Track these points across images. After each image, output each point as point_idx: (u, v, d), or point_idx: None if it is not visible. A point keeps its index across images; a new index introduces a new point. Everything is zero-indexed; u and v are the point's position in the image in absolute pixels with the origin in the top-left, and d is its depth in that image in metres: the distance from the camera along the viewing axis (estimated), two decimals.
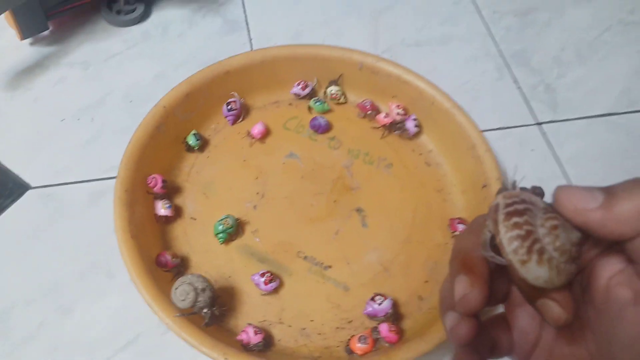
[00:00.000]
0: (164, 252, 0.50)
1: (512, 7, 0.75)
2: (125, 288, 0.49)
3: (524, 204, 0.23)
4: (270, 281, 0.49)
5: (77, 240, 0.52)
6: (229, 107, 0.59)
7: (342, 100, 0.62)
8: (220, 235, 0.52)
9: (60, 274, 0.50)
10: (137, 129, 0.54)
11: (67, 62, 0.64)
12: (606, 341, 0.24)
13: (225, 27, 0.69)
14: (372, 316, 0.49)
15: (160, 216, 0.52)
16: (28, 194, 0.55)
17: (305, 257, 0.52)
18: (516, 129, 0.63)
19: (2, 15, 0.59)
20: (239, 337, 0.46)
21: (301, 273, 0.52)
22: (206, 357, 0.44)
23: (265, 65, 0.60)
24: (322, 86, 0.62)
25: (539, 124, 0.64)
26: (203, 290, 0.45)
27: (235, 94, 0.59)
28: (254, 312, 0.49)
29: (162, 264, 0.49)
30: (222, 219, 0.52)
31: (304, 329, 0.49)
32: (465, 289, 0.23)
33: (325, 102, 0.61)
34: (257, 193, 0.56)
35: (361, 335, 0.47)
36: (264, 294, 0.50)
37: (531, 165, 0.60)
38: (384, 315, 0.48)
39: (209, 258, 0.52)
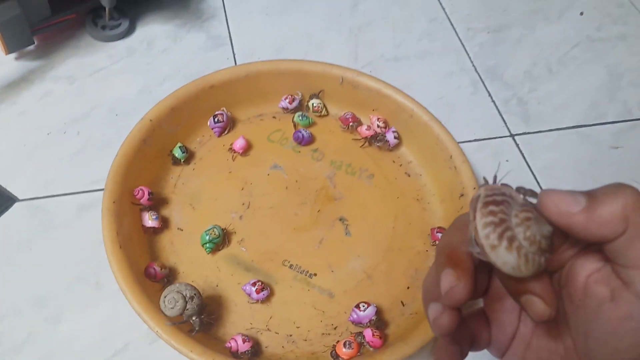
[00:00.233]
0: (152, 263, 0.51)
1: (486, 24, 0.79)
2: (113, 298, 0.50)
3: (502, 197, 0.24)
4: (262, 290, 0.50)
5: (65, 252, 0.53)
6: (216, 119, 0.60)
7: (324, 112, 0.64)
8: (207, 245, 0.53)
9: (48, 285, 0.51)
10: (123, 141, 0.55)
11: (52, 77, 0.65)
12: (582, 336, 0.25)
13: (209, 43, 0.71)
14: (356, 323, 0.50)
15: (147, 227, 0.53)
16: (16, 206, 0.55)
17: (291, 266, 0.54)
18: (491, 140, 0.66)
19: None
20: (227, 345, 0.47)
21: (287, 281, 0.53)
22: None
23: (249, 80, 0.62)
24: (304, 99, 0.64)
25: (513, 135, 0.67)
26: (191, 298, 0.46)
27: (224, 108, 0.61)
28: (241, 320, 0.51)
29: (151, 276, 0.50)
30: (208, 229, 0.53)
31: (290, 335, 0.50)
32: (452, 282, 0.24)
33: (308, 116, 0.63)
34: (243, 204, 0.57)
35: (346, 341, 0.48)
36: (253, 302, 0.51)
37: (506, 176, 0.63)
38: (368, 322, 0.50)
39: (196, 268, 0.53)
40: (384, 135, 0.62)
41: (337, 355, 0.48)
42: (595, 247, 0.24)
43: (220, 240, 0.54)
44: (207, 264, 0.53)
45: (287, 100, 0.63)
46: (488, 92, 0.71)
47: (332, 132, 0.63)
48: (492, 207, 0.24)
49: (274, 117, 0.64)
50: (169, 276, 0.52)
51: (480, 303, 0.29)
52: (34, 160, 0.58)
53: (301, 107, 0.64)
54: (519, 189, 0.25)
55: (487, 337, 0.28)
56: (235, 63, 0.69)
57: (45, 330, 0.49)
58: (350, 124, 0.62)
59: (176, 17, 0.73)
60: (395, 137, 0.62)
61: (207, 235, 0.53)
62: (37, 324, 0.49)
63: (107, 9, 0.67)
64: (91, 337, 0.49)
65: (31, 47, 0.66)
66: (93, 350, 0.48)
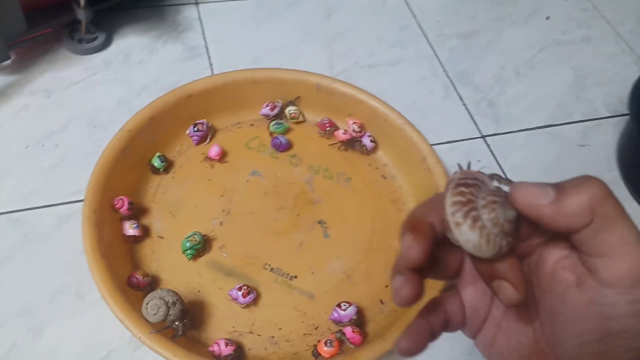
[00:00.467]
0: (134, 272, 0.51)
1: (455, 31, 0.81)
2: (96, 308, 0.51)
3: (474, 181, 0.26)
4: (248, 293, 0.51)
5: (47, 263, 0.53)
6: (196, 128, 0.61)
7: (300, 118, 0.65)
8: (188, 251, 0.54)
9: (30, 297, 0.51)
10: (103, 151, 0.56)
11: (29, 90, 0.65)
12: (550, 319, 0.26)
13: (186, 53, 0.72)
14: (337, 322, 0.51)
15: (128, 236, 0.54)
16: None
17: (272, 269, 0.55)
18: (463, 142, 0.68)
19: None
20: (210, 349, 0.48)
21: (268, 284, 0.54)
22: None
23: (226, 88, 0.63)
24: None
25: (484, 137, 0.69)
26: (174, 303, 0.47)
27: (205, 120, 0.62)
28: (223, 323, 0.51)
29: (134, 285, 0.51)
30: (189, 236, 0.54)
31: (272, 337, 0.51)
32: (409, 243, 0.25)
33: (284, 123, 0.64)
34: (223, 210, 0.58)
35: (327, 339, 0.49)
36: (242, 307, 0.52)
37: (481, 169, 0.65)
38: (349, 321, 0.51)
39: (178, 274, 0.54)
40: (360, 140, 0.63)
41: (319, 354, 0.49)
42: (563, 235, 0.25)
43: (201, 247, 0.54)
44: (189, 271, 0.54)
45: (269, 108, 0.64)
46: (459, 95, 0.73)
47: (310, 137, 0.65)
48: (462, 189, 0.25)
49: (251, 125, 0.65)
50: (153, 283, 0.52)
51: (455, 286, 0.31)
52: (13, 174, 0.59)
53: (282, 114, 0.65)
54: (493, 176, 0.26)
55: (461, 319, 0.29)
56: (213, 73, 0.70)
57: (28, 341, 0.49)
58: (328, 129, 0.64)
59: (152, 29, 0.74)
60: (371, 141, 0.63)
61: (188, 242, 0.54)
62: (21, 335, 0.49)
63: (83, 23, 0.68)
64: (75, 347, 0.49)
65: (8, 62, 0.66)
66: None
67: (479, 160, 0.66)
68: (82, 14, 0.65)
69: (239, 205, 0.58)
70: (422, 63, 0.76)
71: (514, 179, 0.68)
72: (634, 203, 0.65)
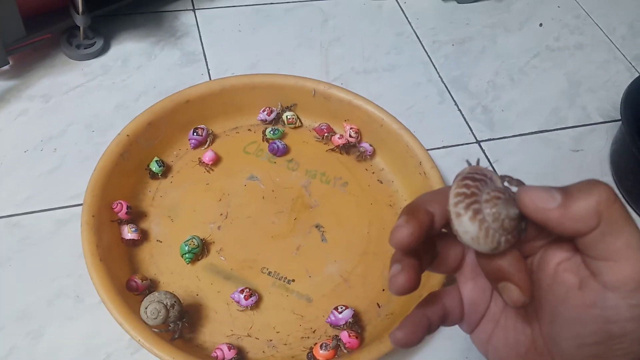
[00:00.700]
0: (133, 276, 0.52)
1: (450, 37, 0.82)
2: (94, 311, 0.51)
3: (482, 176, 0.26)
4: (250, 296, 0.52)
5: (45, 267, 0.53)
6: (196, 132, 0.62)
7: (298, 124, 0.66)
8: (187, 255, 0.54)
9: (29, 300, 0.51)
10: (102, 156, 0.56)
11: (28, 95, 0.66)
12: (549, 320, 0.27)
13: (184, 59, 0.73)
14: (334, 325, 0.52)
15: (127, 240, 0.54)
16: None
17: (269, 273, 0.55)
18: (458, 147, 0.69)
19: None
20: (213, 354, 0.48)
21: (266, 288, 0.54)
22: None
23: (224, 94, 0.64)
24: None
25: (479, 142, 0.70)
26: (172, 305, 0.47)
27: (204, 125, 0.63)
28: (222, 327, 0.52)
29: (133, 289, 0.51)
30: (187, 240, 0.54)
31: (270, 340, 0.52)
32: (399, 223, 0.25)
33: (279, 129, 0.65)
34: (221, 214, 0.58)
35: (323, 343, 0.50)
36: (241, 310, 0.52)
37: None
38: (345, 323, 0.51)
39: (176, 278, 0.54)
40: (357, 145, 0.64)
41: (314, 357, 0.49)
42: (567, 238, 0.25)
43: (200, 250, 0.55)
44: (187, 274, 0.54)
45: (266, 113, 0.65)
46: (454, 101, 0.74)
47: (307, 142, 0.65)
48: (468, 182, 0.25)
49: (249, 130, 0.66)
50: (151, 287, 0.53)
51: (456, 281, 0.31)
52: (12, 178, 0.59)
53: (279, 119, 0.66)
54: (504, 177, 0.27)
55: (459, 314, 0.30)
56: (210, 78, 0.71)
57: (27, 345, 0.49)
58: (325, 134, 0.65)
59: (150, 35, 0.74)
60: (370, 145, 0.64)
61: (186, 245, 0.54)
62: (19, 339, 0.49)
63: (81, 28, 0.68)
64: (73, 350, 0.49)
65: (6, 67, 0.67)
66: None
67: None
68: (80, 20, 0.66)
69: (237, 209, 0.59)
70: (418, 69, 0.77)
71: None
72: (627, 207, 0.66)
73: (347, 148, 0.64)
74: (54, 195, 0.58)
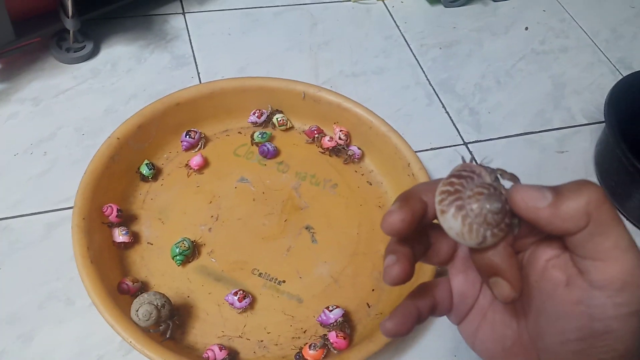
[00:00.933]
0: (124, 279, 0.52)
1: (437, 41, 0.83)
2: (85, 314, 0.51)
3: (469, 173, 0.27)
4: (244, 298, 0.52)
5: (35, 270, 0.53)
6: (189, 135, 0.62)
7: (288, 125, 0.66)
8: (178, 257, 0.54)
9: (20, 303, 0.51)
10: (92, 159, 0.56)
11: (17, 99, 0.66)
12: (535, 315, 0.27)
13: (174, 62, 0.73)
14: (324, 324, 0.52)
15: (118, 242, 0.54)
16: None
17: (260, 274, 0.56)
18: (446, 148, 0.70)
19: None
20: (204, 355, 0.48)
21: (257, 289, 0.55)
22: None
23: (214, 97, 0.64)
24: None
25: (466, 143, 0.71)
26: (163, 305, 0.47)
27: (196, 129, 0.63)
28: (213, 328, 0.52)
29: (124, 291, 0.51)
30: (178, 242, 0.55)
31: (261, 341, 0.52)
32: (392, 209, 0.26)
33: (267, 132, 0.65)
34: (212, 216, 0.59)
35: (312, 343, 0.50)
36: (240, 311, 0.53)
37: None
38: (334, 322, 0.52)
39: (167, 280, 0.54)
40: (346, 148, 0.65)
41: (303, 357, 0.50)
42: (557, 236, 0.26)
43: (190, 252, 0.55)
44: (178, 276, 0.55)
45: (256, 115, 0.65)
46: (442, 103, 0.75)
47: (297, 145, 0.66)
48: (453, 179, 0.26)
49: (239, 132, 0.66)
50: (142, 289, 0.53)
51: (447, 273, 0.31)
52: (1, 181, 0.59)
53: (269, 121, 0.66)
54: (498, 170, 0.27)
55: (448, 305, 0.30)
56: (200, 82, 0.71)
57: (18, 348, 0.49)
58: (316, 136, 0.65)
59: (140, 38, 0.75)
60: (359, 148, 0.65)
61: (177, 247, 0.54)
62: (10, 342, 0.49)
63: (71, 32, 0.68)
64: (64, 353, 0.49)
65: None
66: None
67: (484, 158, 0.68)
68: (70, 24, 0.66)
69: (228, 211, 0.59)
70: (406, 72, 0.78)
71: None
72: None
73: (336, 151, 0.65)
74: (45, 198, 0.58)
